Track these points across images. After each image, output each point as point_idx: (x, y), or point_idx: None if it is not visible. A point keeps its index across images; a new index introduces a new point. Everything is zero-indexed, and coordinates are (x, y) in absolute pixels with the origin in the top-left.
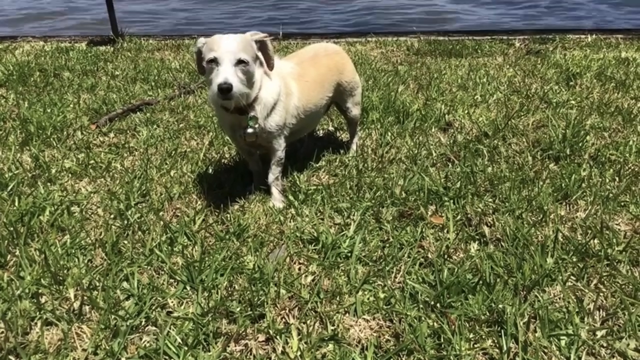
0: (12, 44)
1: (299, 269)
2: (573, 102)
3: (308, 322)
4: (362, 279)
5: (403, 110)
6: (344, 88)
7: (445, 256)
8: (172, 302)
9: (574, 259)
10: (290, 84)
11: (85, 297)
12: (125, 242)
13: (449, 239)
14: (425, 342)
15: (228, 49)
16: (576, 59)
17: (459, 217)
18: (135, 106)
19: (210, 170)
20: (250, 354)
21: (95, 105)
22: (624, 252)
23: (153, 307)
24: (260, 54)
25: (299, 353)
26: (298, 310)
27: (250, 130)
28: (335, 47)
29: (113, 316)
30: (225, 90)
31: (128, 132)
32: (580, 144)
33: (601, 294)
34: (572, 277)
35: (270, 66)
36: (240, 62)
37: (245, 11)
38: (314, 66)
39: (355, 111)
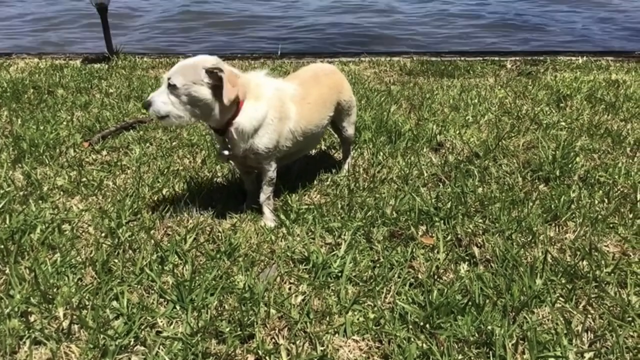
0: (7, 61)
1: (289, 288)
2: (563, 123)
3: (297, 342)
4: (352, 299)
5: (395, 130)
6: (342, 107)
7: (435, 277)
8: (161, 321)
9: (563, 281)
10: (289, 108)
11: (75, 316)
12: (116, 260)
13: (439, 259)
14: None
15: (168, 72)
16: (567, 81)
17: (449, 237)
18: (128, 124)
19: (203, 189)
20: None
21: (89, 122)
22: (612, 274)
23: (142, 327)
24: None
25: None
26: (288, 330)
27: (225, 151)
28: (331, 66)
29: (102, 335)
30: (145, 106)
31: (121, 150)
32: (570, 166)
33: (589, 316)
34: (560, 298)
35: (226, 99)
36: (170, 85)
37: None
38: (315, 86)
39: (350, 130)
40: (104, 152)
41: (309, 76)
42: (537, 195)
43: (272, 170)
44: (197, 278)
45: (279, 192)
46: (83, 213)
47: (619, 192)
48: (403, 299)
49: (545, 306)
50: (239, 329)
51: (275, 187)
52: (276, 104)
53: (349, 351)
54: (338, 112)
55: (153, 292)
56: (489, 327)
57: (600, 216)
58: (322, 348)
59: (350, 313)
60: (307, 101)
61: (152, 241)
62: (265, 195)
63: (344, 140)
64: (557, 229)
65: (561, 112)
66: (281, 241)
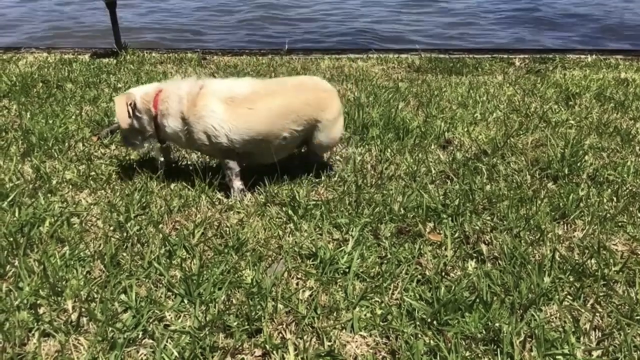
0: (16, 55)
1: (297, 284)
2: (572, 121)
3: (305, 337)
4: (360, 295)
5: (403, 127)
6: (321, 126)
7: (443, 273)
8: (169, 315)
9: (571, 279)
10: (209, 106)
11: (83, 309)
12: (124, 254)
13: (446, 256)
14: (421, 359)
15: None
16: (576, 79)
17: (457, 234)
18: None
19: (211, 184)
20: None
21: (97, 117)
22: (620, 273)
23: (150, 320)
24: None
25: None
26: (295, 325)
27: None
28: (324, 84)
29: (110, 328)
30: None
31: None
32: (578, 164)
33: (597, 314)
34: (568, 296)
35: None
36: None
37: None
38: (283, 97)
39: (321, 153)
40: (113, 147)
41: (288, 85)
42: (545, 193)
43: (228, 165)
44: (204, 272)
45: (286, 186)
46: (92, 207)
47: (627, 190)
48: (410, 296)
49: (553, 304)
50: (246, 323)
51: (238, 177)
52: (186, 110)
53: (356, 347)
54: (313, 129)
55: (161, 285)
56: (497, 324)
57: (608, 215)
58: (329, 343)
59: (357, 309)
60: (249, 105)
61: (161, 235)
62: (227, 177)
63: (312, 158)
64: (565, 227)
65: (570, 110)
66: (289, 237)
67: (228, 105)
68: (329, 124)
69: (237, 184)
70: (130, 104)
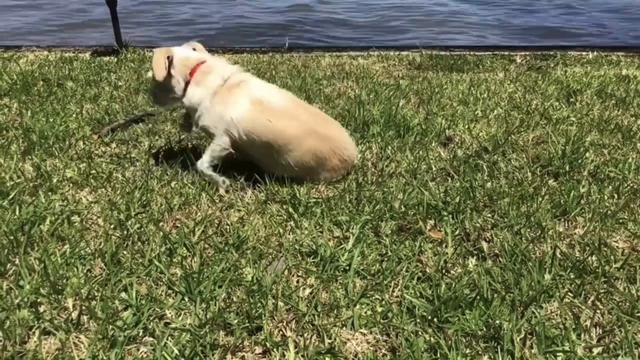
0: (17, 54)
1: (297, 281)
2: (573, 118)
3: (305, 335)
4: (360, 292)
5: (404, 124)
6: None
7: (443, 271)
8: (170, 313)
9: (572, 276)
10: (237, 101)
11: (84, 307)
12: (125, 252)
13: (447, 253)
14: (421, 356)
15: None
16: (577, 76)
17: (457, 232)
18: (137, 117)
19: (211, 182)
20: None
21: (98, 115)
22: (621, 270)
23: (151, 318)
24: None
25: None
26: (295, 323)
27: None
28: (350, 143)
29: (111, 326)
30: None
31: (130, 142)
32: (579, 161)
33: (598, 311)
34: (569, 293)
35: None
36: None
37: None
38: (301, 128)
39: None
40: (113, 145)
41: (314, 122)
42: (546, 190)
43: (216, 144)
44: (205, 270)
45: (286, 185)
46: (92, 205)
47: (628, 187)
48: (411, 293)
49: (554, 301)
50: (246, 321)
51: (214, 165)
52: (219, 92)
53: (357, 344)
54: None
55: (162, 283)
56: (497, 322)
57: (609, 211)
58: (329, 341)
59: (357, 306)
60: (271, 117)
61: (161, 233)
62: (204, 163)
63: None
64: (566, 224)
65: (571, 107)
66: (289, 234)
67: (254, 106)
68: (333, 168)
69: (209, 173)
70: (168, 58)
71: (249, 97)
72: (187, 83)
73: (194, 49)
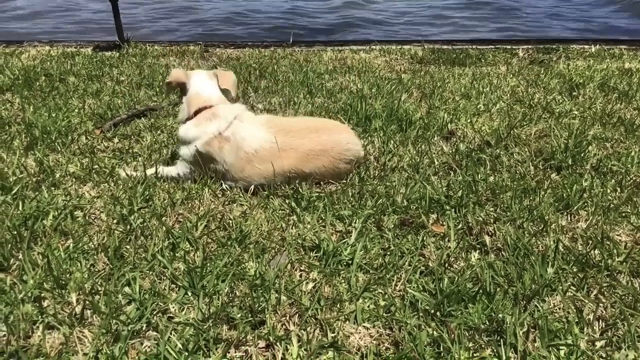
0: (19, 49)
1: (300, 275)
2: (576, 112)
3: (308, 329)
4: (363, 286)
5: (406, 119)
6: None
7: (446, 265)
8: (173, 307)
9: (574, 269)
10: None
11: (87, 302)
12: (128, 247)
13: (449, 247)
14: (424, 350)
15: None
16: (579, 69)
17: (460, 226)
18: (139, 112)
19: (214, 176)
20: None
21: (100, 110)
22: (624, 263)
23: (154, 312)
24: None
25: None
26: (298, 317)
27: None
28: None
29: (114, 321)
30: None
31: (132, 137)
32: (582, 154)
33: (601, 305)
34: (572, 287)
35: None
36: None
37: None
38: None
39: None
40: (116, 140)
41: (313, 130)
42: (549, 184)
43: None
44: (208, 265)
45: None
46: (95, 200)
47: (631, 181)
48: (414, 287)
49: (557, 295)
50: (250, 315)
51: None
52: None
53: (360, 338)
54: None
55: (165, 278)
56: (500, 315)
57: (612, 205)
58: (332, 335)
59: (360, 300)
60: (260, 160)
61: (164, 228)
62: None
63: None
64: (569, 218)
65: (574, 100)
66: (292, 229)
67: (241, 160)
68: (342, 171)
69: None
70: (172, 84)
71: (236, 152)
72: (189, 117)
73: (216, 76)
